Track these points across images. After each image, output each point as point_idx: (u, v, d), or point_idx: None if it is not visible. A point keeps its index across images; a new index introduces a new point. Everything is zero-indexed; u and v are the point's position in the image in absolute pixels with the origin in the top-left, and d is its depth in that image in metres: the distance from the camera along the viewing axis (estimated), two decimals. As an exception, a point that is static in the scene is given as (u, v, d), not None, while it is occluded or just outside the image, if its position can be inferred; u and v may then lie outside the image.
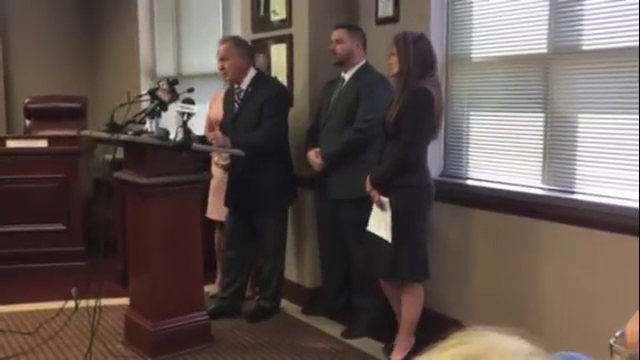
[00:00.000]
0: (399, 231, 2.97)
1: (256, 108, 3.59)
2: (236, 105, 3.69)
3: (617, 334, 0.76)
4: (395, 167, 2.97)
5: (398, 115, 2.92)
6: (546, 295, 2.93)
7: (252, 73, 3.67)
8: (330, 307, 3.78)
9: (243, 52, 3.65)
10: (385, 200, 2.97)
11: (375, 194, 3.01)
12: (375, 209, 3.04)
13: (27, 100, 5.89)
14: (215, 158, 4.01)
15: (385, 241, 2.98)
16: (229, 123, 3.69)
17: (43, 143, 4.77)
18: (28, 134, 5.61)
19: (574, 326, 2.76)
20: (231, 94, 3.75)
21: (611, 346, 0.76)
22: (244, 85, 3.66)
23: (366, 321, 3.51)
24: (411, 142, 2.94)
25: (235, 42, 3.70)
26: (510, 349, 0.49)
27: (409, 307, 3.10)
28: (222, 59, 3.62)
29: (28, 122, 5.87)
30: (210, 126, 4.05)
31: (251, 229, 3.75)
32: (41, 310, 3.88)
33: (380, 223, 3.01)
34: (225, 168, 3.88)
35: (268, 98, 3.58)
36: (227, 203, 3.79)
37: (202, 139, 3.70)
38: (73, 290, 3.53)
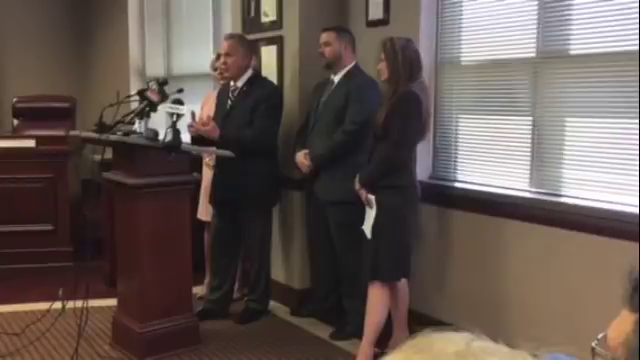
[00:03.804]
0: (380, 230, 3.02)
1: (249, 107, 3.61)
2: (229, 102, 3.71)
3: (599, 337, 0.77)
4: (383, 167, 3.02)
5: (386, 117, 2.96)
6: (532, 296, 2.95)
7: (249, 73, 3.70)
8: (319, 309, 3.78)
9: (246, 51, 3.69)
10: (371, 198, 3.03)
11: (363, 192, 3.06)
12: (366, 208, 3.09)
13: (15, 99, 5.85)
14: (206, 159, 4.01)
15: (368, 240, 3.05)
16: (221, 119, 3.70)
17: (31, 143, 4.74)
18: (16, 134, 5.57)
19: (559, 327, 2.78)
20: (225, 91, 3.76)
21: (593, 349, 0.77)
22: (240, 83, 3.69)
23: (355, 323, 3.51)
24: (398, 143, 2.98)
25: (240, 40, 3.74)
26: (455, 336, 0.56)
27: (401, 304, 3.18)
28: (226, 54, 3.65)
29: (16, 122, 5.84)
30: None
31: (236, 230, 3.76)
32: (28, 311, 3.85)
33: (367, 221, 3.07)
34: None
35: (262, 98, 3.60)
36: (212, 201, 3.80)
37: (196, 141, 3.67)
38: (60, 291, 3.51)
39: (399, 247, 3.07)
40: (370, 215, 3.05)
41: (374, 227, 3.02)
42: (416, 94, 2.97)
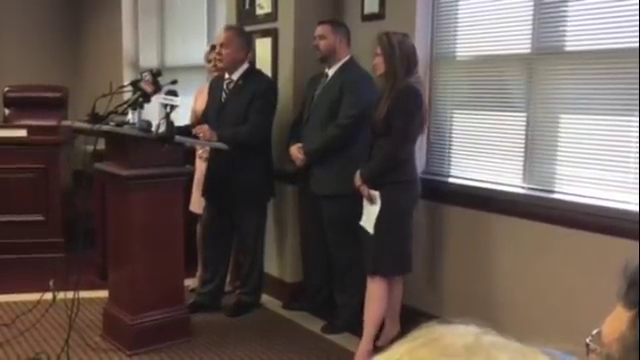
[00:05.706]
0: (386, 226, 3.00)
1: (244, 101, 3.58)
2: (224, 95, 3.68)
3: (593, 333, 0.77)
4: (386, 163, 3.01)
5: (388, 113, 2.95)
6: (525, 292, 2.96)
7: (245, 66, 3.67)
8: (311, 302, 3.78)
9: (243, 44, 3.66)
10: (375, 193, 3.01)
11: (364, 189, 3.04)
12: (365, 204, 3.07)
13: (7, 89, 5.80)
14: (199, 151, 3.99)
15: (370, 235, 3.02)
16: (214, 113, 3.67)
17: (22, 133, 4.71)
18: (7, 123, 5.52)
19: (553, 323, 2.79)
20: (219, 84, 3.73)
21: (587, 345, 0.76)
22: (235, 76, 3.66)
23: (347, 317, 3.51)
24: (402, 139, 2.98)
25: (238, 32, 3.71)
26: (463, 329, 0.55)
27: (395, 299, 3.17)
28: (222, 45, 3.63)
29: (7, 111, 5.78)
30: (195, 119, 4.03)
31: (228, 224, 3.74)
32: (18, 301, 3.83)
33: (369, 216, 3.05)
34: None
35: (258, 93, 3.57)
36: (204, 194, 3.78)
37: (184, 131, 3.67)
38: (51, 282, 3.49)
39: (403, 242, 3.07)
40: (372, 211, 3.02)
41: (377, 222, 3.00)
42: (417, 89, 2.98)
